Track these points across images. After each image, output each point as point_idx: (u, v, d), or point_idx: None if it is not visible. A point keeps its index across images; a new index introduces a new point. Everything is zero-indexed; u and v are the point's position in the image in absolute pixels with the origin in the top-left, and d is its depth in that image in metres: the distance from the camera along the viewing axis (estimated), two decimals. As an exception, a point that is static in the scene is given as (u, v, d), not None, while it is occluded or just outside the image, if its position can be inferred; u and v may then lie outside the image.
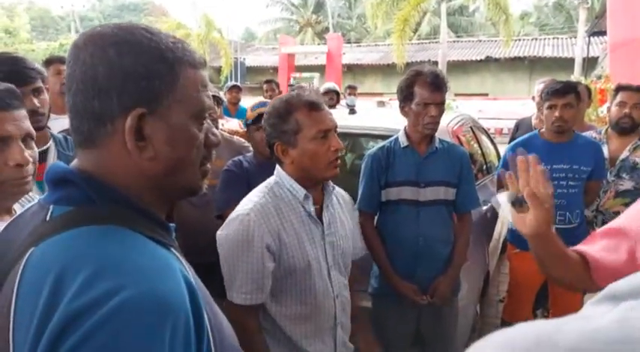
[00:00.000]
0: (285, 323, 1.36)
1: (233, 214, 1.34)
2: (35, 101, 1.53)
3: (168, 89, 0.62)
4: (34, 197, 1.18)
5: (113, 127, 0.60)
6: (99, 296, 0.49)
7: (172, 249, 0.63)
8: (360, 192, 2.01)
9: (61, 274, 0.52)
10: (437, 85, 1.85)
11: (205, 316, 0.58)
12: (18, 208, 1.14)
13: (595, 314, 0.38)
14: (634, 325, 0.35)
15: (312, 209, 1.37)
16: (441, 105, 1.88)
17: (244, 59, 19.50)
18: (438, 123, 1.91)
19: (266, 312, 1.37)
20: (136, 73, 0.59)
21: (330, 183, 1.45)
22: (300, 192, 1.36)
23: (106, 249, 0.55)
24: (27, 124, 1.09)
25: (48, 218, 0.60)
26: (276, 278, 1.33)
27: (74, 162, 0.64)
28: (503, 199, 1.04)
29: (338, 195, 1.51)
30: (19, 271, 0.55)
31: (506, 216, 1.05)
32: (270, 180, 1.42)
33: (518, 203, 0.99)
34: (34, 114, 1.53)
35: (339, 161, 1.36)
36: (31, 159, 1.08)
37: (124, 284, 0.50)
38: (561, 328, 0.36)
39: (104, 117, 0.60)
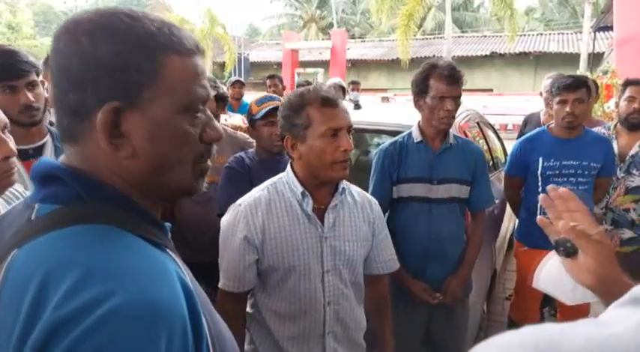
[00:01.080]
0: (271, 317, 1.34)
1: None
2: (30, 95, 1.49)
3: (148, 80, 0.56)
4: (23, 193, 1.16)
5: (90, 123, 0.55)
6: (86, 304, 0.45)
7: (168, 250, 0.59)
8: (370, 188, 1.97)
9: (45, 279, 0.47)
10: (454, 78, 1.81)
11: (204, 322, 0.54)
12: (2, 205, 1.12)
13: (613, 319, 0.35)
14: None
15: (309, 208, 1.32)
16: (457, 99, 1.83)
17: (248, 55, 19.44)
18: (453, 117, 1.86)
19: (257, 302, 1.37)
20: (110, 64, 0.54)
21: (344, 183, 1.39)
22: (298, 189, 1.33)
23: (94, 251, 0.50)
24: (1, 114, 1.08)
25: (33, 217, 0.55)
26: (261, 272, 1.34)
27: (62, 158, 0.60)
28: (549, 264, 0.83)
29: (358, 198, 1.44)
30: (1, 275, 0.51)
31: (560, 290, 0.83)
32: (280, 175, 1.41)
33: (565, 248, 0.77)
34: (29, 109, 1.50)
35: (348, 163, 1.30)
36: (15, 150, 1.06)
37: (114, 290, 0.46)
38: (568, 332, 0.33)
39: (81, 112, 0.56)
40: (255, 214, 1.31)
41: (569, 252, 0.77)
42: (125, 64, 0.55)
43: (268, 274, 1.33)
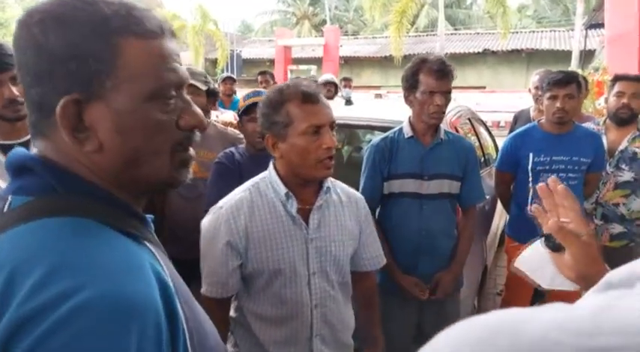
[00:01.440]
0: (256, 322, 1.30)
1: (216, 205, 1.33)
2: (14, 89, 1.44)
3: (107, 68, 0.53)
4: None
5: (55, 118, 0.53)
6: (53, 298, 0.43)
7: (147, 243, 0.57)
8: (361, 184, 1.96)
9: (13, 273, 0.46)
10: (443, 72, 1.79)
11: (181, 316, 0.53)
12: None
13: (582, 303, 0.34)
14: (610, 315, 0.30)
15: (293, 209, 1.27)
16: (447, 94, 1.82)
17: (240, 51, 19.36)
18: (443, 112, 1.85)
19: (241, 306, 1.34)
20: (64, 54, 0.51)
21: (329, 181, 1.35)
22: (282, 190, 1.28)
23: (64, 244, 0.49)
24: None
25: (5, 210, 0.53)
26: (245, 276, 1.29)
27: (36, 150, 0.59)
28: (528, 254, 0.85)
29: (344, 196, 1.40)
30: None
31: (541, 276, 0.84)
32: (262, 174, 1.36)
33: (552, 243, 0.78)
34: (14, 104, 1.45)
35: (332, 161, 1.25)
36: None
37: (83, 284, 0.44)
38: (533, 316, 0.32)
39: (45, 107, 0.54)
40: (238, 217, 1.26)
41: (555, 247, 0.78)
42: (80, 53, 0.52)
43: (253, 278, 1.29)
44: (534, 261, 0.87)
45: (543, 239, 0.80)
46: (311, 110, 1.22)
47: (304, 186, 1.29)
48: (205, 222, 1.30)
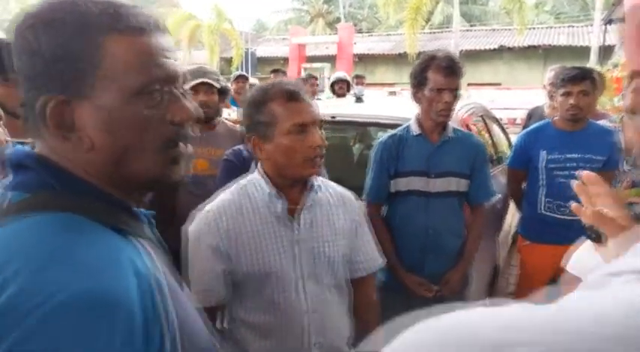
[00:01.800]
0: (249, 333, 1.24)
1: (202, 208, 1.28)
2: None
3: (91, 66, 0.54)
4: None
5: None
6: (12, 298, 0.45)
7: (138, 239, 0.58)
8: (368, 181, 1.96)
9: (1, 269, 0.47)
10: (452, 69, 1.78)
11: (161, 311, 0.53)
12: None
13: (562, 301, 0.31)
14: (564, 316, 0.27)
15: (280, 210, 1.23)
16: (455, 91, 1.80)
17: (255, 50, 19.43)
18: (452, 110, 1.83)
19: (232, 317, 1.29)
20: (52, 56, 0.53)
21: (318, 180, 1.31)
22: (270, 191, 1.23)
23: (47, 242, 0.50)
24: None
25: (5, 205, 0.55)
26: (236, 283, 1.25)
27: (37, 149, 0.60)
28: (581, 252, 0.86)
29: (335, 195, 1.34)
30: None
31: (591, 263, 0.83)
32: (249, 176, 1.32)
33: (592, 233, 0.79)
34: None
35: (321, 159, 1.22)
36: (9, 139, 1.08)
37: (59, 283, 0.46)
38: (499, 313, 0.29)
39: (38, 109, 0.55)
40: (221, 220, 1.21)
41: (597, 238, 0.78)
42: (65, 54, 0.53)
43: (243, 284, 1.24)
44: (586, 261, 0.86)
45: (585, 233, 0.81)
46: (295, 108, 1.19)
47: (292, 187, 1.26)
48: (190, 228, 1.26)
